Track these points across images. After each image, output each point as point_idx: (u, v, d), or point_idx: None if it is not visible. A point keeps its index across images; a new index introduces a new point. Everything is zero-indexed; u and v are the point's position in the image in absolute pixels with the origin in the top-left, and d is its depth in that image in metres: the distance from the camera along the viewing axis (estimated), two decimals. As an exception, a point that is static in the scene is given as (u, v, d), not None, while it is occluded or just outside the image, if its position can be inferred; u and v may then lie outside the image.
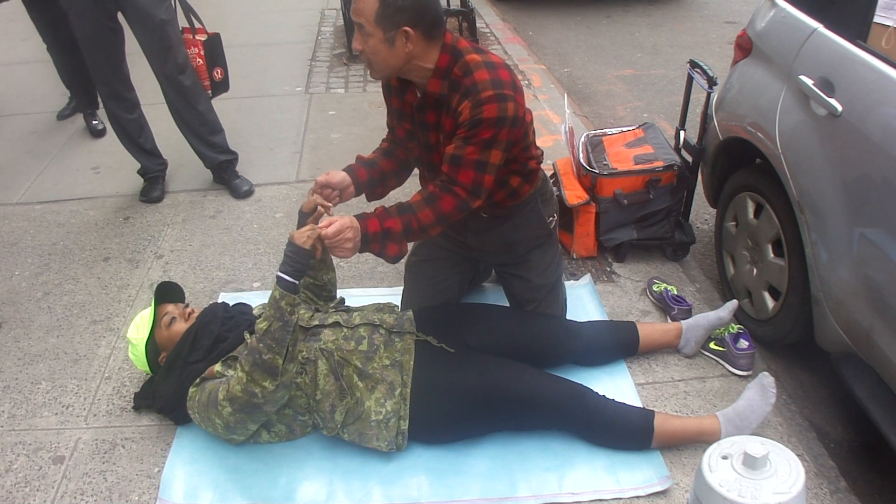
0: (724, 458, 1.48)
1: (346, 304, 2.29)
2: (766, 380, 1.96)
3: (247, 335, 1.97)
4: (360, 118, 4.23)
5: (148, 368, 2.12)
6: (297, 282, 1.81)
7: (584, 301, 2.57)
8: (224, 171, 3.40)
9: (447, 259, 2.31)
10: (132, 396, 2.18)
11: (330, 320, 2.00)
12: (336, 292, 2.30)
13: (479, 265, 2.48)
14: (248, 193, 3.38)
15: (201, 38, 3.22)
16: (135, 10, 2.93)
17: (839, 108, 1.91)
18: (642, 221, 2.76)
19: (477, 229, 2.19)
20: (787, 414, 2.11)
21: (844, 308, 1.94)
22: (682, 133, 2.84)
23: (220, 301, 2.32)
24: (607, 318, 2.47)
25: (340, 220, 1.83)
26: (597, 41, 5.88)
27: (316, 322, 2.00)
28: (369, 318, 2.02)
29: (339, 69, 5.08)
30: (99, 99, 3.48)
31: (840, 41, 2.01)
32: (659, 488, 1.85)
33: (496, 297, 2.54)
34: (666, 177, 2.71)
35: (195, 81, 3.16)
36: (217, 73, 3.29)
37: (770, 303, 2.36)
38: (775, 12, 2.38)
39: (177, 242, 3.03)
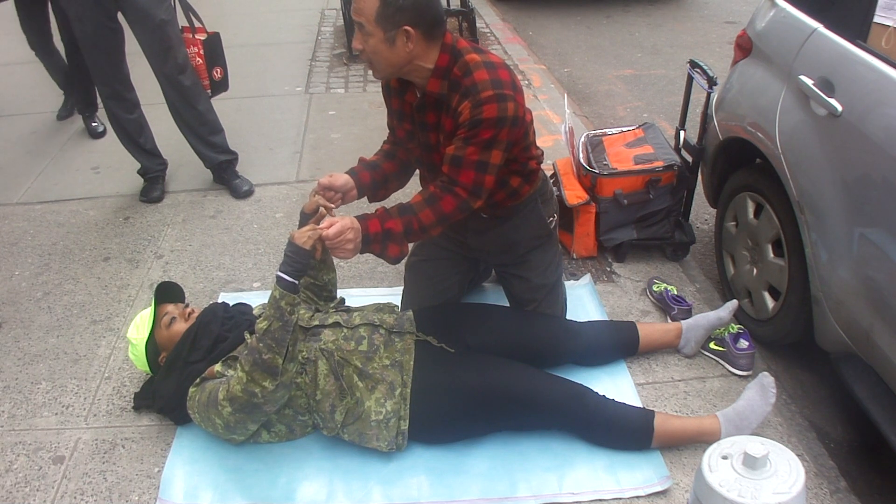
0: (724, 458, 1.48)
1: (346, 304, 2.29)
2: (766, 380, 1.96)
3: (247, 335, 1.97)
4: (360, 118, 4.23)
5: (148, 368, 2.12)
6: (297, 282, 1.81)
7: (584, 301, 2.57)
8: (224, 171, 3.40)
9: (447, 259, 2.31)
10: (132, 396, 2.18)
11: (330, 320, 2.00)
12: (336, 292, 2.30)
13: (479, 265, 2.48)
14: (248, 193, 3.38)
15: (201, 37, 3.22)
16: (135, 10, 2.93)
17: (839, 108, 1.91)
18: (642, 221, 2.76)
19: (477, 229, 2.19)
20: (787, 414, 2.11)
21: (844, 308, 1.94)
22: (682, 133, 2.84)
23: (220, 301, 2.32)
24: (607, 318, 2.47)
25: (341, 220, 1.83)
26: (597, 41, 5.88)
27: (316, 322, 2.00)
28: (369, 318, 2.02)
29: (339, 69, 5.08)
30: (98, 100, 3.49)
31: (840, 41, 2.01)
32: (659, 488, 1.85)
33: (496, 297, 2.54)
34: (666, 177, 2.71)
35: (195, 81, 3.16)
36: (217, 72, 3.29)
37: (770, 303, 2.36)
38: (775, 12, 2.38)
39: (177, 242, 3.03)
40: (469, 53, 1.85)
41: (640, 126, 2.99)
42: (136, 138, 3.28)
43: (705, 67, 2.65)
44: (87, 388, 2.26)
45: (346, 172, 2.09)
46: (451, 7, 5.42)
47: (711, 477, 1.45)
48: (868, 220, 1.85)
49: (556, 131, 3.86)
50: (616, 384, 2.18)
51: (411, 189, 2.24)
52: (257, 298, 2.39)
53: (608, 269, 2.78)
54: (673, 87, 4.82)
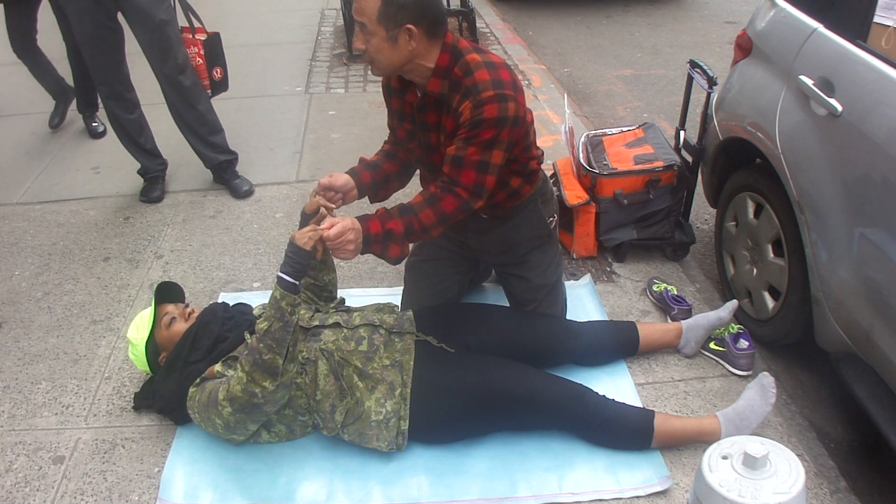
0: (724, 458, 1.48)
1: (346, 304, 2.29)
2: (766, 380, 1.96)
3: (247, 335, 1.97)
4: (360, 118, 4.23)
5: (148, 368, 2.12)
6: (297, 282, 1.81)
7: (584, 301, 2.57)
8: (224, 171, 3.40)
9: (447, 259, 2.31)
10: (132, 396, 2.18)
11: (330, 321, 2.00)
12: (336, 292, 2.30)
13: (479, 265, 2.48)
14: (248, 193, 3.38)
15: (201, 37, 3.22)
16: (135, 10, 2.93)
17: (839, 108, 1.91)
18: (642, 221, 2.76)
19: (477, 230, 2.19)
20: (787, 414, 2.11)
21: (844, 308, 1.94)
22: (682, 133, 2.84)
23: (220, 301, 2.32)
24: (607, 318, 2.47)
25: (342, 221, 1.83)
26: (597, 41, 5.88)
27: (316, 322, 2.00)
28: (369, 318, 2.02)
29: (339, 69, 5.08)
30: (98, 100, 3.48)
31: (840, 41, 2.01)
32: (659, 488, 1.85)
33: (496, 297, 2.54)
34: (666, 177, 2.71)
35: (195, 81, 3.16)
36: (216, 72, 3.29)
37: (770, 303, 2.36)
38: (775, 12, 2.38)
39: (177, 242, 3.03)
40: (470, 53, 1.85)
41: (640, 126, 2.99)
42: (136, 138, 3.28)
43: (705, 67, 2.65)
44: (87, 388, 2.26)
45: (347, 172, 2.09)
46: (451, 7, 5.42)
47: (711, 477, 1.45)
48: (868, 220, 1.85)
49: (556, 131, 3.86)
50: (616, 384, 2.18)
51: (412, 189, 2.24)
52: (257, 298, 2.39)
53: (608, 269, 2.78)
54: (673, 87, 4.82)
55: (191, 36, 3.19)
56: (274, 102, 4.51)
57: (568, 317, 2.36)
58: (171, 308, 2.13)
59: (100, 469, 1.97)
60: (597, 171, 2.71)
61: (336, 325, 1.99)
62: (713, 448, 1.52)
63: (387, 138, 2.22)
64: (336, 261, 2.30)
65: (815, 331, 2.13)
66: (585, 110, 4.53)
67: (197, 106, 3.19)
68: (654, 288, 2.56)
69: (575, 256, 2.83)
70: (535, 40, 5.90)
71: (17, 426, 2.13)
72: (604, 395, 1.98)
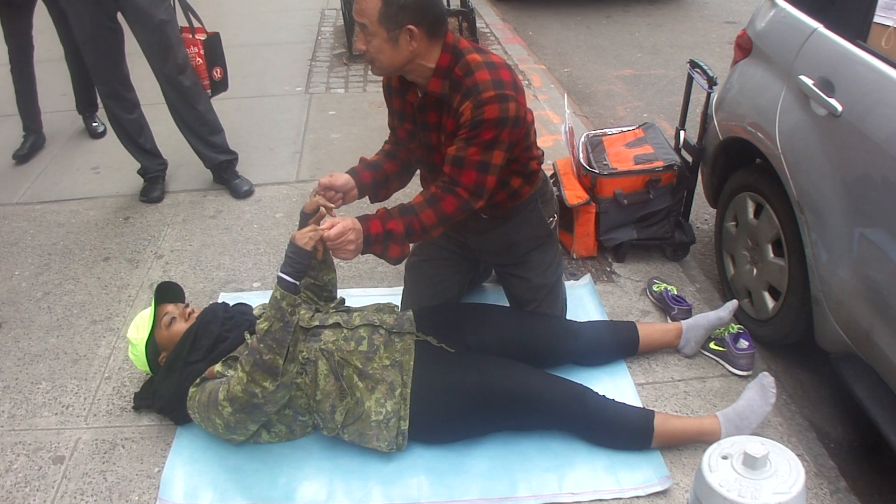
0: (724, 458, 1.48)
1: (346, 304, 2.29)
2: (766, 380, 1.96)
3: (247, 335, 1.98)
4: (360, 118, 4.23)
5: (148, 368, 2.12)
6: (297, 282, 1.81)
7: (584, 301, 2.57)
8: (224, 171, 3.40)
9: (447, 259, 2.31)
10: (132, 396, 2.18)
11: (330, 321, 2.00)
12: (336, 293, 2.30)
13: (479, 265, 2.48)
14: (248, 193, 3.38)
15: (201, 37, 3.22)
16: (135, 10, 2.93)
17: (839, 108, 1.91)
18: (642, 221, 2.76)
19: (477, 230, 2.19)
20: (787, 414, 2.11)
21: (844, 308, 1.94)
22: (682, 133, 2.84)
23: (220, 301, 2.32)
24: (607, 318, 2.47)
25: (343, 221, 1.83)
26: (597, 41, 5.88)
27: (316, 322, 2.00)
28: (369, 318, 2.02)
29: (339, 69, 5.08)
30: (98, 100, 3.48)
31: (840, 41, 2.01)
32: (659, 488, 1.85)
33: (496, 297, 2.54)
34: (666, 177, 2.71)
35: (195, 81, 3.16)
36: (216, 72, 3.29)
37: (770, 303, 2.36)
38: (775, 12, 2.38)
39: (177, 242, 3.03)
40: (471, 53, 1.85)
41: (640, 126, 2.99)
42: (136, 138, 3.28)
43: (705, 67, 2.65)
44: (87, 388, 2.26)
45: (347, 172, 2.09)
46: (451, 7, 5.42)
47: (711, 477, 1.45)
48: (868, 220, 1.85)
49: (556, 131, 3.86)
50: (616, 384, 2.18)
51: (412, 189, 2.24)
52: (257, 298, 2.39)
53: (608, 269, 2.78)
54: (673, 87, 4.82)
55: (191, 36, 3.19)
56: (274, 102, 4.51)
57: (568, 317, 2.36)
58: (171, 308, 2.13)
59: (100, 469, 1.97)
60: (597, 171, 2.71)
61: (336, 325, 1.99)
62: (713, 448, 1.52)
63: (387, 138, 2.22)
64: (336, 261, 2.30)
65: (815, 331, 2.13)
66: (585, 110, 4.53)
67: (197, 106, 3.19)
68: (654, 288, 2.56)
69: (575, 256, 2.83)
70: (535, 40, 5.90)
71: (17, 426, 2.13)
72: (604, 396, 1.98)
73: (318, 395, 1.90)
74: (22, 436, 2.09)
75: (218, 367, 1.95)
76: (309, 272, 2.14)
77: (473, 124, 1.80)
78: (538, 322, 2.22)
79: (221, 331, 2.05)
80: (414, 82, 1.93)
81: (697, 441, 1.96)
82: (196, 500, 1.87)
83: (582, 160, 2.81)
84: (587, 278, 2.70)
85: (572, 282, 2.68)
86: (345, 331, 1.97)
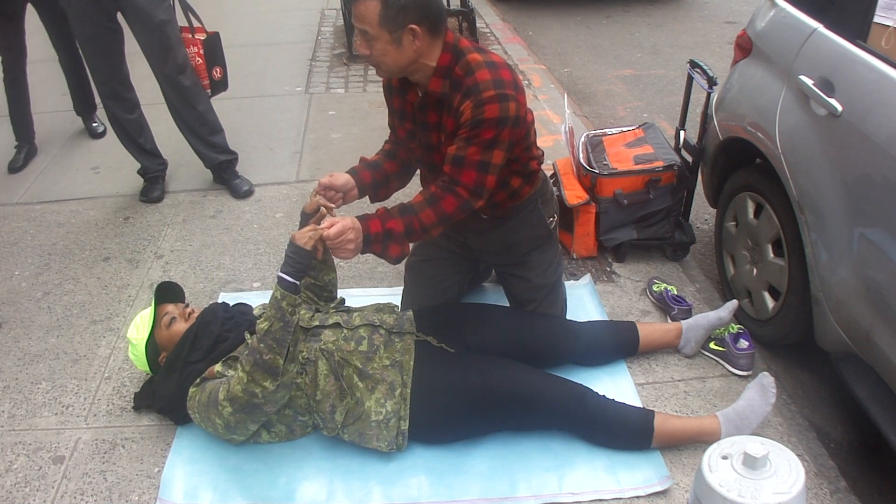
0: (724, 458, 1.48)
1: (346, 304, 2.29)
2: (766, 380, 1.96)
3: (247, 335, 1.98)
4: (360, 118, 4.23)
5: (148, 368, 2.12)
6: (298, 282, 1.81)
7: (584, 301, 2.57)
8: (224, 171, 3.40)
9: (447, 259, 2.31)
10: (132, 396, 2.18)
11: (330, 321, 2.00)
12: (336, 293, 2.30)
13: (479, 265, 2.48)
14: (248, 193, 3.38)
15: (200, 37, 3.22)
16: (134, 10, 2.93)
17: (839, 108, 1.91)
18: (642, 221, 2.76)
19: (477, 230, 2.19)
20: (787, 414, 2.11)
21: (844, 308, 1.94)
22: (682, 133, 2.84)
23: (220, 301, 2.32)
24: (607, 318, 2.47)
25: (342, 221, 1.83)
26: (597, 41, 5.88)
27: (316, 322, 2.00)
28: (369, 318, 2.02)
29: (339, 69, 5.08)
30: (98, 100, 3.47)
31: (840, 41, 2.01)
32: (659, 488, 1.85)
33: (496, 297, 2.54)
34: (666, 177, 2.71)
35: (195, 81, 3.16)
36: (216, 72, 3.29)
37: (770, 303, 2.36)
38: (775, 12, 2.38)
39: (177, 242, 3.03)
40: (471, 53, 1.85)
41: (640, 126, 2.99)
42: (136, 138, 3.28)
43: (705, 67, 2.65)
44: (87, 388, 2.26)
45: (347, 172, 2.09)
46: (451, 7, 5.42)
47: (711, 477, 1.45)
48: (868, 220, 1.85)
49: (556, 131, 3.86)
50: (616, 384, 2.18)
51: (412, 189, 2.24)
52: (257, 298, 2.39)
53: (608, 269, 2.78)
54: (673, 87, 4.82)
55: (190, 36, 3.19)
56: (274, 102, 4.51)
57: (568, 317, 2.36)
58: (171, 308, 2.13)
59: (100, 469, 1.97)
60: (597, 171, 2.71)
61: (336, 325, 1.99)
62: (713, 448, 1.52)
63: (388, 138, 2.22)
64: (336, 261, 2.30)
65: (815, 331, 2.13)
66: (585, 110, 4.53)
67: (197, 106, 3.19)
68: (654, 288, 2.56)
69: (575, 256, 2.83)
70: (535, 40, 5.90)
71: (17, 426, 2.13)
72: (604, 396, 1.98)
73: (318, 395, 1.90)
74: (22, 436, 2.09)
75: (218, 367, 1.95)
76: (309, 272, 2.14)
77: (474, 124, 1.80)
78: (538, 322, 2.22)
79: (221, 331, 2.05)
80: (415, 82, 1.93)
81: (697, 441, 1.96)
82: (196, 500, 1.87)
83: (582, 160, 2.81)
84: (587, 278, 2.70)
85: (572, 282, 2.68)
86: (345, 331, 1.97)
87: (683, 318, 2.37)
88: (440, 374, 1.94)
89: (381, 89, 2.14)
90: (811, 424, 2.17)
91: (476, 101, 1.78)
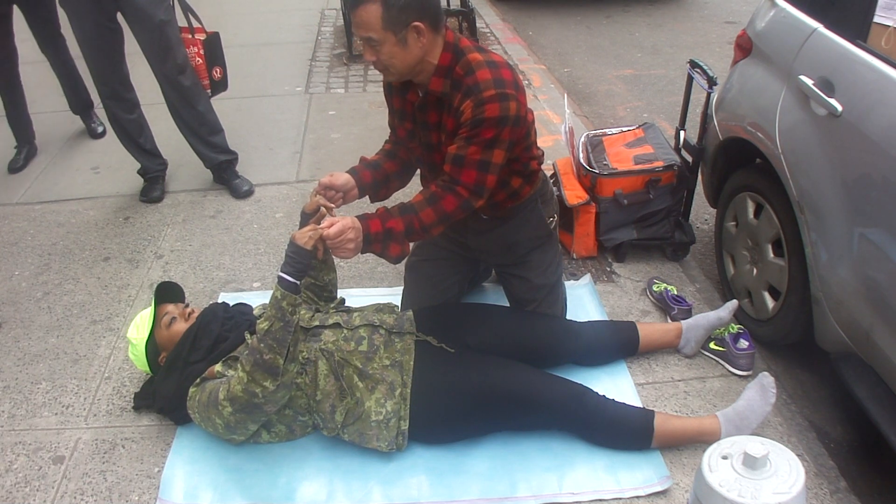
0: (724, 458, 1.48)
1: (346, 304, 2.29)
2: (766, 380, 1.96)
3: (247, 335, 1.98)
4: (360, 118, 4.23)
5: (148, 368, 2.12)
6: (298, 282, 1.81)
7: (584, 301, 2.57)
8: (224, 171, 3.40)
9: (447, 259, 2.31)
10: (132, 396, 2.18)
11: (330, 321, 2.00)
12: (336, 293, 2.30)
13: (479, 265, 2.48)
14: (248, 193, 3.38)
15: (200, 37, 3.22)
16: (134, 10, 2.93)
17: (839, 108, 1.91)
18: (642, 221, 2.76)
19: (477, 230, 2.19)
20: (787, 414, 2.11)
21: (844, 308, 1.94)
22: (682, 133, 2.84)
23: (220, 301, 2.32)
24: (607, 318, 2.47)
25: (342, 220, 1.83)
26: (597, 41, 5.88)
27: (316, 322, 2.00)
28: (369, 318, 2.02)
29: (339, 69, 5.08)
30: (95, 99, 3.47)
31: (840, 41, 2.01)
32: (659, 488, 1.85)
33: (496, 297, 2.54)
34: (666, 177, 2.71)
35: (195, 81, 3.17)
36: (216, 72, 3.29)
37: (770, 303, 2.36)
38: (775, 12, 2.38)
39: (177, 242, 3.03)
40: (471, 52, 1.85)
41: (640, 126, 2.99)
42: (136, 138, 3.28)
43: (705, 67, 2.65)
44: (87, 388, 2.26)
45: (347, 172, 2.09)
46: (451, 7, 5.42)
47: (711, 477, 1.45)
48: (868, 220, 1.85)
49: (556, 131, 3.86)
50: (616, 384, 2.18)
51: (412, 189, 2.24)
52: (257, 298, 2.39)
53: (608, 269, 2.78)
54: (673, 87, 4.82)
55: (190, 36, 3.19)
56: (274, 102, 4.51)
57: (568, 317, 2.36)
58: (171, 308, 2.13)
59: (100, 469, 1.97)
60: (597, 171, 2.71)
61: (336, 325, 1.99)
62: (713, 448, 1.52)
63: (388, 137, 2.22)
64: (336, 261, 2.30)
65: (815, 331, 2.13)
66: (585, 110, 4.53)
67: (197, 106, 3.19)
68: (654, 288, 2.56)
69: (575, 256, 2.83)
70: (535, 40, 5.90)
71: (17, 426, 2.13)
72: (604, 395, 1.98)
73: (318, 395, 1.90)
74: (22, 436, 2.09)
75: (218, 367, 1.95)
76: (309, 272, 2.14)
77: (474, 123, 1.80)
78: (538, 322, 2.22)
79: (221, 331, 2.05)
80: (416, 82, 1.93)
81: (697, 441, 1.96)
82: (196, 500, 1.87)
83: (582, 160, 2.81)
84: (587, 278, 2.70)
85: (572, 282, 2.68)
86: (345, 331, 1.97)
87: (683, 318, 2.37)
88: (440, 374, 1.94)
89: (381, 89, 2.14)
90: (811, 424, 2.17)
91: (476, 101, 1.78)
